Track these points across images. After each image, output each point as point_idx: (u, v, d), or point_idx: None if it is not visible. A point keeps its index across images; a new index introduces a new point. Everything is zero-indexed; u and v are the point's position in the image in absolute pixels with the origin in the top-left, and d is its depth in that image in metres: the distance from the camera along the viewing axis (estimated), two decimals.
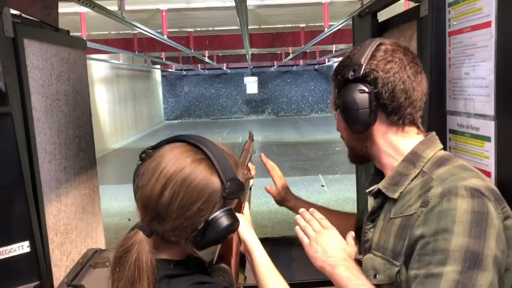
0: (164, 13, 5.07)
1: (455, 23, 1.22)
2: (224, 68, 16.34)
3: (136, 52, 7.68)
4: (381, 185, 1.03)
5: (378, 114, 1.00)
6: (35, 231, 1.47)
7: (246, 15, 4.37)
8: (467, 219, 0.84)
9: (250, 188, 1.43)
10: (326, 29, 5.29)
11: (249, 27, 5.53)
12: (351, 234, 1.09)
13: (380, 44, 1.01)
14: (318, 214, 1.11)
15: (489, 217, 0.84)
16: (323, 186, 7.10)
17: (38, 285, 1.48)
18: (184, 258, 0.96)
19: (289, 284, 1.03)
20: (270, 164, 1.58)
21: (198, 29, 7.12)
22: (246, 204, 1.19)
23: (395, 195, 0.99)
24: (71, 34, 2.09)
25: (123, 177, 7.76)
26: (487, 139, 1.09)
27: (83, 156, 2.10)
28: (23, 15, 1.67)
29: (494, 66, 1.05)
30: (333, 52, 9.95)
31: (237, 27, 5.55)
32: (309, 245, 1.06)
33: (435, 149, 1.00)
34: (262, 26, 7.08)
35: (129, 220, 5.42)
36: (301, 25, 7.14)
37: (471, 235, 0.83)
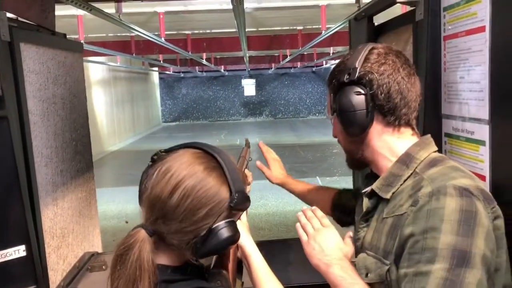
0: (161, 16, 5.07)
1: (450, 27, 1.22)
2: (222, 70, 16.35)
3: (134, 55, 7.69)
4: (374, 186, 1.04)
5: (375, 115, 1.01)
6: (31, 235, 1.47)
7: (243, 18, 4.38)
8: (455, 218, 0.84)
9: None
10: (323, 31, 5.31)
11: (246, 30, 5.54)
12: (349, 234, 1.10)
13: (373, 48, 1.03)
14: (319, 212, 1.11)
15: (478, 216, 0.85)
16: None
17: None
18: (182, 264, 0.96)
19: None
20: (266, 148, 1.67)
21: (196, 31, 7.12)
22: None
23: (388, 195, 1.00)
24: (68, 36, 2.09)
25: (120, 180, 7.68)
26: (482, 143, 1.09)
27: (80, 159, 2.09)
28: (19, 18, 1.67)
29: (488, 70, 1.05)
30: (331, 54, 9.96)
31: (234, 30, 5.56)
32: (307, 243, 1.07)
33: (429, 151, 1.01)
34: (259, 29, 7.09)
35: (127, 222, 5.42)
36: (298, 28, 7.15)
37: (459, 233, 0.83)
